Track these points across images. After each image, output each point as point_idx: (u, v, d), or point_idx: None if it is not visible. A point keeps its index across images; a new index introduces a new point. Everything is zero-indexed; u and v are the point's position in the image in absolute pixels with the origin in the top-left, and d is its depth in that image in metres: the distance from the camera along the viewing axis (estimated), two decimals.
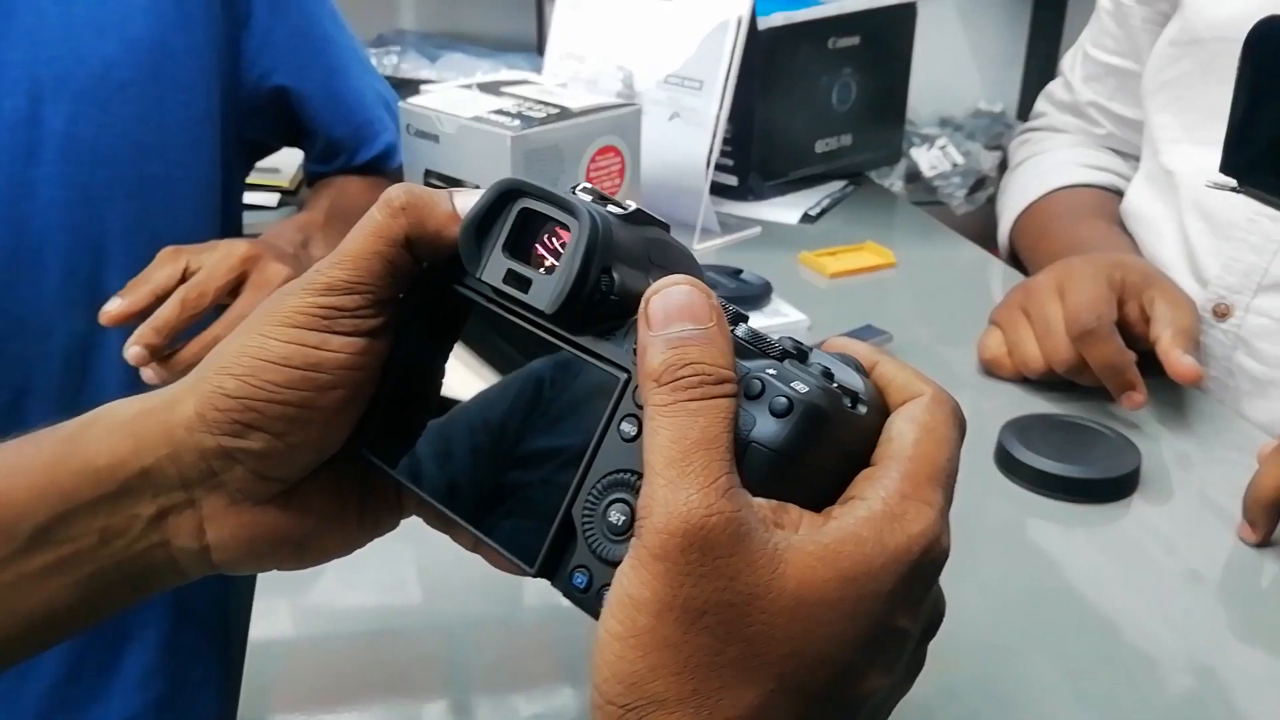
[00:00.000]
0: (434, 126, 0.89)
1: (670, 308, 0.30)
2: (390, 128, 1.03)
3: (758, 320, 0.70)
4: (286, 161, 1.28)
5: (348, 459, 0.39)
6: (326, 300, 0.36)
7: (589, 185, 0.34)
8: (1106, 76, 1.04)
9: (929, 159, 1.99)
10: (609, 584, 0.31)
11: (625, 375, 0.32)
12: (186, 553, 0.38)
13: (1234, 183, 0.40)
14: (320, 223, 0.90)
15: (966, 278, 1.04)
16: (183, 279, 0.76)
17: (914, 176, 2.00)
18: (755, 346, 0.32)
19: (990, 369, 0.80)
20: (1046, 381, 0.77)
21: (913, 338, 0.85)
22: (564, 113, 0.89)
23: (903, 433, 0.31)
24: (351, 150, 1.00)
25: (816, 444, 0.30)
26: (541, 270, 0.34)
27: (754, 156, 1.13)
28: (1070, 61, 1.09)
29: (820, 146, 1.18)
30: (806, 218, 1.12)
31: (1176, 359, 0.71)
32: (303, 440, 0.36)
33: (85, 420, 0.38)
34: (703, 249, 1.02)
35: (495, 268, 0.35)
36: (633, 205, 0.34)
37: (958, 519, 0.55)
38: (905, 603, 0.30)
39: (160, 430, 0.36)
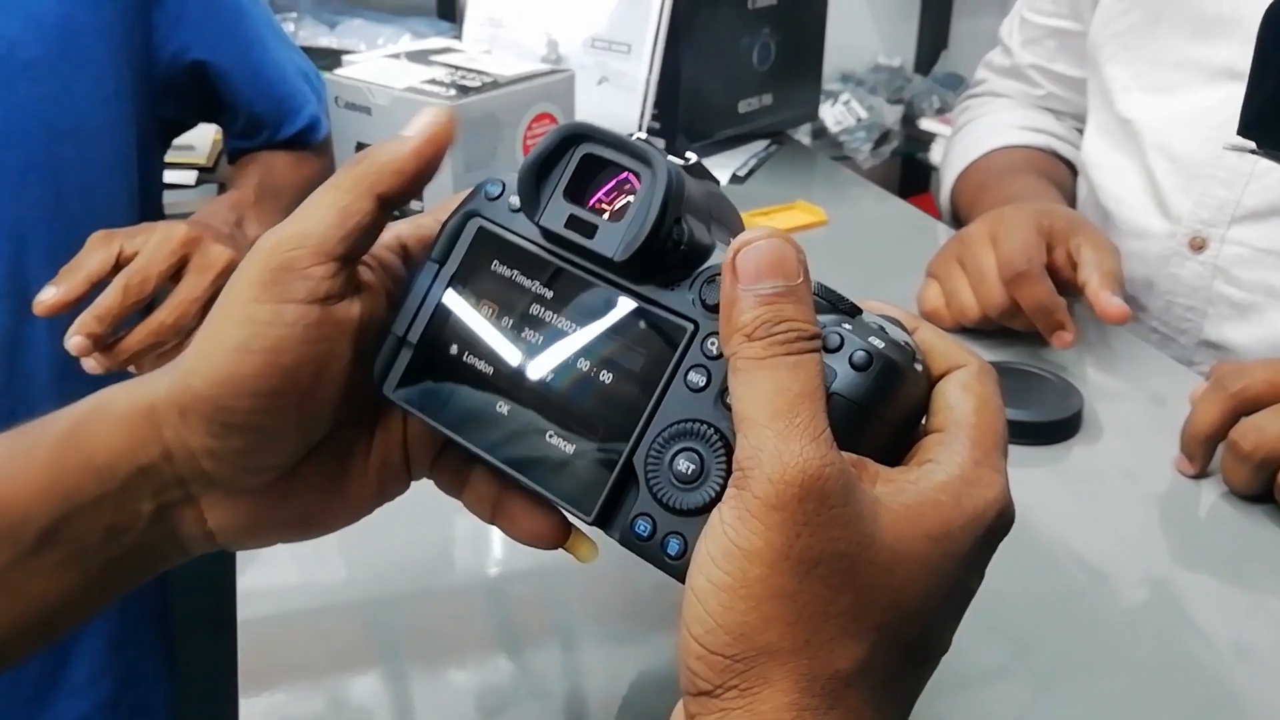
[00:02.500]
0: (365, 99, 0.87)
1: (762, 262, 0.30)
2: (312, 100, 1.01)
3: None
4: (201, 138, 1.24)
5: (349, 429, 0.38)
6: (273, 261, 0.34)
7: (645, 136, 0.34)
8: (1046, 39, 1.07)
9: (834, 114, 2.03)
10: (675, 532, 0.31)
11: (693, 326, 0.32)
12: (191, 538, 0.38)
13: (1252, 145, 0.43)
14: (251, 200, 0.88)
15: (896, 231, 1.06)
16: (117, 264, 0.73)
17: (820, 132, 2.03)
18: (826, 300, 0.32)
19: (930, 320, 0.82)
20: (987, 331, 0.80)
21: (854, 294, 0.86)
22: (497, 81, 0.88)
23: (962, 400, 0.32)
24: (275, 125, 0.98)
25: (891, 398, 0.31)
26: (606, 217, 0.33)
27: (680, 119, 1.13)
28: (1008, 28, 1.12)
29: (743, 107, 1.19)
30: (735, 179, 1.13)
31: (1106, 300, 0.74)
32: (284, 427, 0.35)
33: (83, 413, 0.36)
34: None
35: (556, 212, 0.34)
36: (693, 157, 0.34)
37: None
38: (977, 564, 0.31)
39: (151, 430, 0.35)
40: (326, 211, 0.34)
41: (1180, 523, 0.64)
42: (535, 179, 0.34)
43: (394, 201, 0.36)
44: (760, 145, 1.22)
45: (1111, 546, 0.60)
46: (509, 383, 0.35)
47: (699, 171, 0.35)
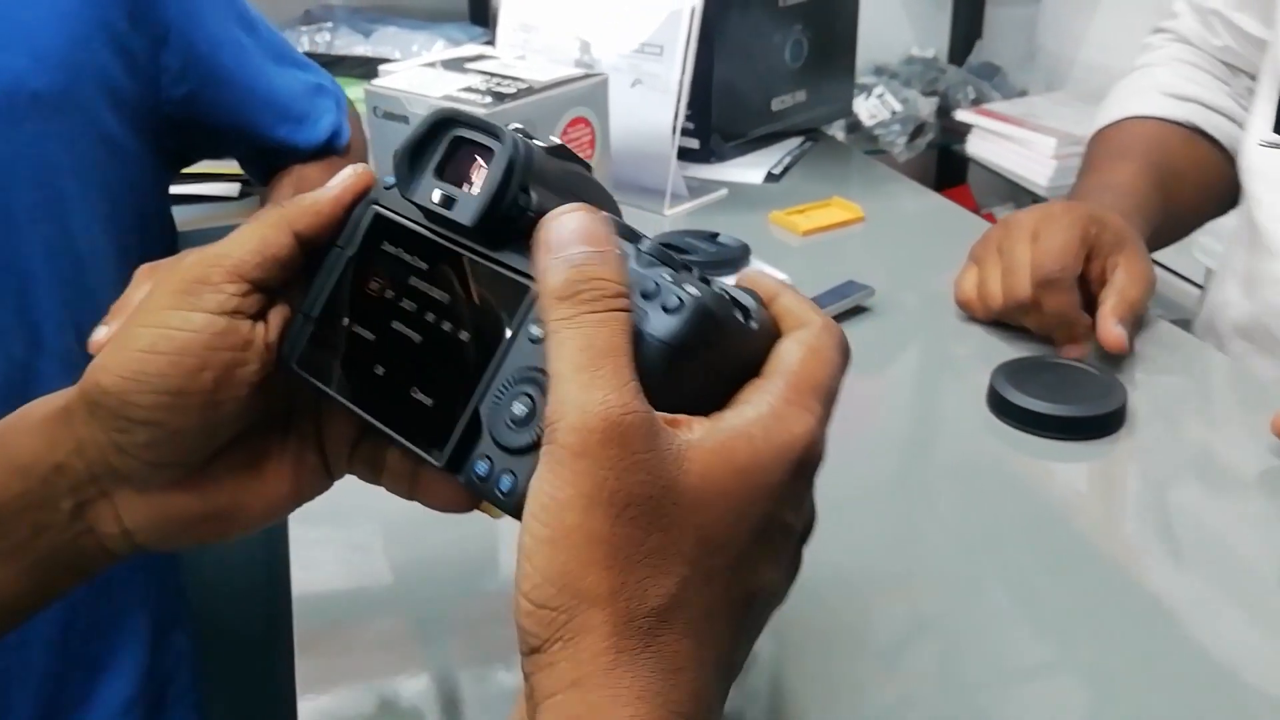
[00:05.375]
0: (403, 108, 0.88)
1: (567, 233, 0.33)
2: (330, 109, 1.01)
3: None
4: None
5: (261, 432, 0.41)
6: (190, 274, 0.37)
7: (521, 126, 0.37)
8: None
9: (868, 108, 2.01)
10: (508, 470, 0.33)
11: (535, 285, 0.35)
12: (111, 537, 0.40)
13: None
14: None
15: (934, 227, 1.06)
16: None
17: (854, 127, 2.02)
18: (657, 258, 0.35)
19: (964, 308, 0.82)
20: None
21: (892, 290, 0.87)
22: (532, 87, 0.89)
23: (790, 351, 0.34)
24: (295, 146, 0.98)
25: (705, 343, 0.33)
26: (465, 188, 0.37)
27: (714, 118, 1.13)
28: None
29: (776, 104, 1.19)
30: (771, 177, 1.13)
31: (1109, 327, 0.73)
32: (186, 425, 0.38)
33: (13, 418, 0.40)
34: (673, 214, 1.03)
35: (426, 190, 0.38)
36: (556, 141, 0.38)
37: (952, 461, 0.56)
38: (789, 498, 0.33)
39: (66, 427, 0.39)
40: (248, 239, 0.38)
41: (1219, 516, 0.63)
42: (410, 161, 0.38)
43: (310, 240, 0.40)
44: (795, 142, 1.22)
45: (1156, 541, 0.60)
46: (384, 347, 0.39)
47: (564, 154, 0.38)
